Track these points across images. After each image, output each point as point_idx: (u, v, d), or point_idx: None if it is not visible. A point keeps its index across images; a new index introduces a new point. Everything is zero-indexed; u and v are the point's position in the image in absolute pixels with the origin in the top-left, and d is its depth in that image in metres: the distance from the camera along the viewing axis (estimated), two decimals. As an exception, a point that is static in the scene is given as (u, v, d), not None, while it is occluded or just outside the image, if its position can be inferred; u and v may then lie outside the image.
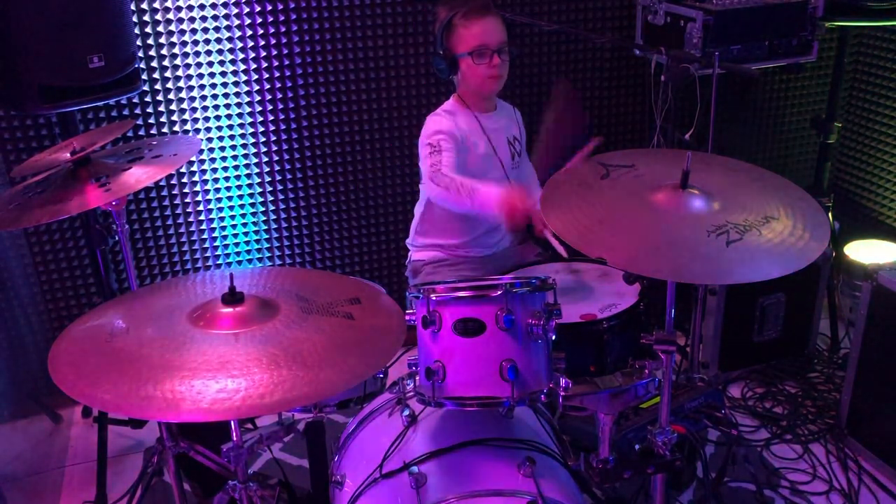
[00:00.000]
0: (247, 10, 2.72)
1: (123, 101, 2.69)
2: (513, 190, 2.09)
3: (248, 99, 2.83)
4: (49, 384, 1.31)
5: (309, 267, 3.08)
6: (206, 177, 2.88)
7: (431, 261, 2.48)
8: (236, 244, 3.00)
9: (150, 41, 2.67)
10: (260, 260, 3.04)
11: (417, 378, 1.58)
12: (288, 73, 2.83)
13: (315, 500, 1.87)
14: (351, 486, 1.72)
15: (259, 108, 2.85)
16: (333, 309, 1.49)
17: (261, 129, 2.88)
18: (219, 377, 1.27)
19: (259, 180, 2.93)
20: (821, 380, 2.90)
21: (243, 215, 2.96)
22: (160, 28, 2.67)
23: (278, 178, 2.94)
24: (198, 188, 2.89)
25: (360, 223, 3.09)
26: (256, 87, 2.82)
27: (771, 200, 1.59)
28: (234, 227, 2.97)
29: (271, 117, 2.87)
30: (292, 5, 2.75)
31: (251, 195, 2.95)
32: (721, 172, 1.69)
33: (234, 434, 1.57)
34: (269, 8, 2.73)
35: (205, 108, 2.80)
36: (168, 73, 2.72)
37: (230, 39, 2.74)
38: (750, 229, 1.48)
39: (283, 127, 2.89)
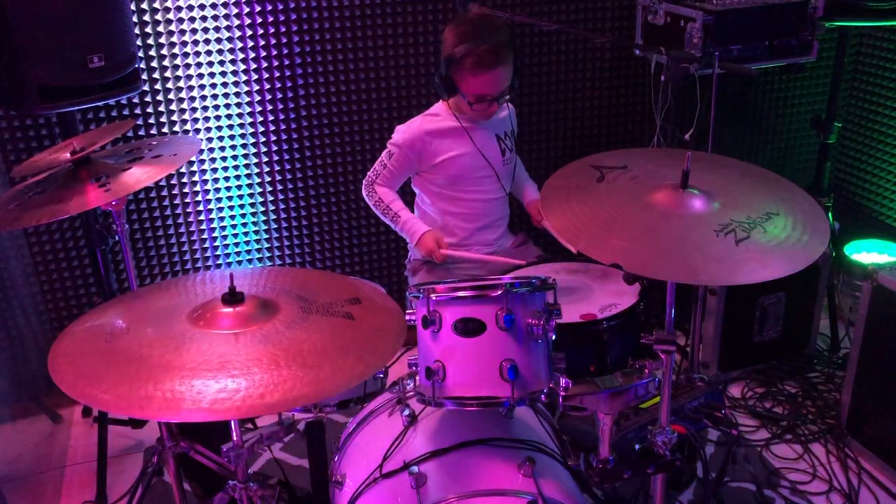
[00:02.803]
0: (247, 10, 2.72)
1: (123, 101, 2.69)
2: (431, 233, 2.37)
3: (248, 99, 2.82)
4: (49, 384, 1.31)
5: (309, 267, 3.08)
6: (206, 177, 2.88)
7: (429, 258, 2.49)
8: (236, 244, 2.99)
9: (150, 41, 2.67)
10: (260, 260, 3.04)
11: (417, 378, 1.58)
12: (288, 73, 2.82)
13: (315, 500, 1.87)
14: (351, 485, 1.72)
15: (259, 108, 2.85)
16: (333, 309, 1.49)
17: (261, 129, 2.88)
18: (219, 377, 1.27)
19: (259, 180, 2.93)
20: (821, 380, 2.90)
21: (243, 215, 2.96)
22: (160, 28, 2.67)
23: (278, 178, 2.94)
24: (198, 188, 2.89)
25: (360, 223, 3.09)
26: (256, 87, 2.82)
27: (769, 197, 1.60)
28: (234, 227, 2.97)
29: (271, 117, 2.87)
30: (292, 5, 2.75)
31: (251, 195, 2.95)
32: (715, 171, 1.69)
33: (234, 434, 1.57)
34: (269, 8, 2.73)
35: (205, 108, 2.80)
36: (168, 73, 2.72)
37: (230, 39, 2.74)
38: (755, 226, 1.48)
39: (282, 127, 2.89)
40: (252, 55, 2.77)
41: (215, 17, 2.70)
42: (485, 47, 2.19)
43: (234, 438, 1.57)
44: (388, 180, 2.43)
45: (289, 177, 2.95)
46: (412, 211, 2.50)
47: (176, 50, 2.70)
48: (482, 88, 2.25)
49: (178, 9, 2.66)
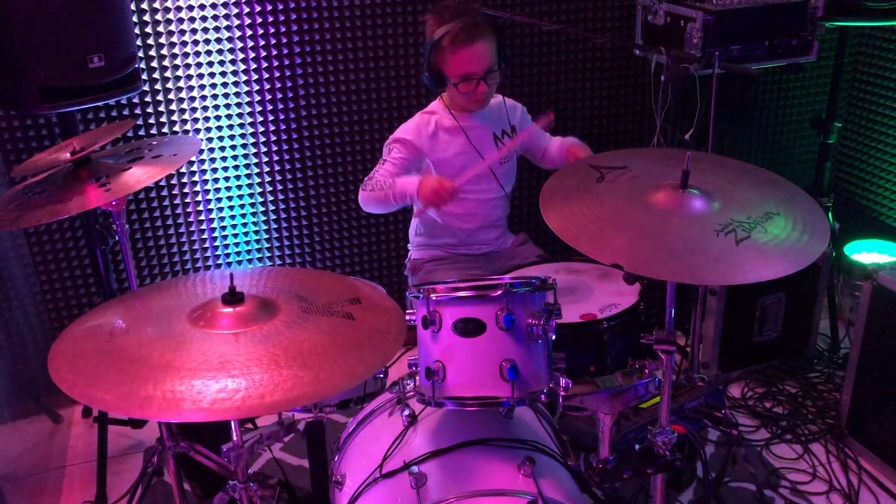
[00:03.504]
0: (247, 10, 2.72)
1: (123, 101, 2.69)
2: (428, 177, 2.23)
3: (248, 99, 2.82)
4: (49, 384, 1.31)
5: (309, 267, 3.08)
6: (206, 177, 2.88)
7: (430, 259, 2.49)
8: (236, 244, 2.99)
9: (150, 41, 2.67)
10: (260, 260, 3.04)
11: (417, 378, 1.58)
12: (288, 73, 2.82)
13: (315, 500, 1.87)
14: (351, 485, 1.72)
15: (259, 108, 2.85)
16: (333, 309, 1.49)
17: (261, 129, 2.88)
18: (219, 377, 1.27)
19: (259, 180, 2.93)
20: (821, 380, 2.90)
21: (243, 215, 2.96)
22: (160, 28, 2.67)
23: (278, 178, 2.94)
24: (198, 188, 2.89)
25: (360, 223, 3.09)
26: (256, 87, 2.82)
27: (769, 197, 1.60)
28: (234, 227, 2.97)
29: (271, 117, 2.87)
30: (292, 5, 2.75)
31: (251, 195, 2.95)
32: (715, 171, 1.69)
33: (234, 434, 1.57)
34: (269, 8, 2.73)
35: (205, 108, 2.80)
36: (168, 73, 2.72)
37: (230, 39, 2.74)
38: (755, 226, 1.48)
39: (282, 127, 2.89)
40: (252, 55, 2.77)
41: (215, 17, 2.70)
42: (462, 23, 2.22)
43: (234, 438, 1.57)
44: (387, 174, 2.33)
45: (289, 177, 2.95)
46: (411, 209, 2.49)
47: (176, 50, 2.70)
48: (463, 66, 2.24)
49: (178, 9, 2.66)
